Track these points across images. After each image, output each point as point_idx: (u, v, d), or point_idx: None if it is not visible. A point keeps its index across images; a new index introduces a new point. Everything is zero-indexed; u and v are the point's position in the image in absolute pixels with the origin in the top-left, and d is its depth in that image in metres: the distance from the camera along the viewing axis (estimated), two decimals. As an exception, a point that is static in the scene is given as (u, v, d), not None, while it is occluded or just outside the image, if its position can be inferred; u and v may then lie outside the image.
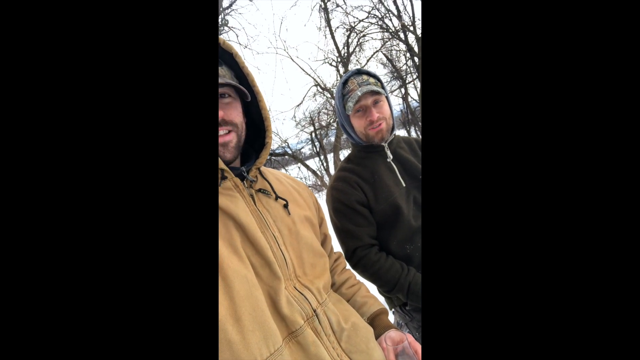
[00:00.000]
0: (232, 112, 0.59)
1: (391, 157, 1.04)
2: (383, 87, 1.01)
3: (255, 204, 0.59)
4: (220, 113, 0.56)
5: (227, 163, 0.58)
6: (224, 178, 0.55)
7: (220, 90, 0.58)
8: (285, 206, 0.64)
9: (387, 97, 1.02)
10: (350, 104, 0.97)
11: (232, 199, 0.56)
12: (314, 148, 8.48)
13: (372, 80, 0.99)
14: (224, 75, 0.59)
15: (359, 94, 0.94)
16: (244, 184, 0.59)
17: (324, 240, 0.77)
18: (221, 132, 0.57)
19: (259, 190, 0.62)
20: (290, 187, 0.72)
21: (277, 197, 0.63)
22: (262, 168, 0.68)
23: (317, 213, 0.75)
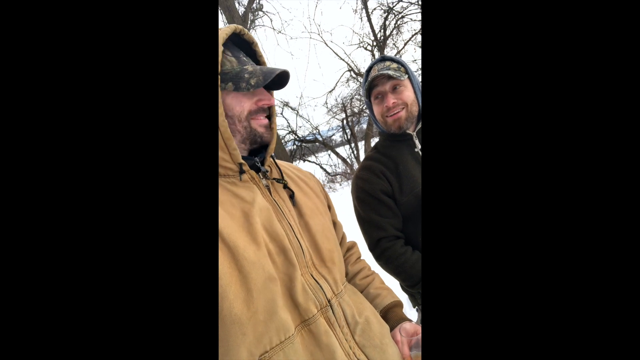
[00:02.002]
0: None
1: (419, 147, 0.99)
2: (408, 73, 0.97)
3: (271, 194, 0.60)
4: (272, 100, 0.60)
5: (259, 148, 0.61)
6: (243, 172, 0.57)
7: None
8: (291, 197, 0.64)
9: (412, 83, 0.97)
10: (364, 89, 0.98)
11: (249, 190, 0.57)
12: (345, 135, 8.38)
13: (393, 65, 0.95)
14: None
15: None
16: (259, 175, 0.60)
17: (334, 228, 0.76)
18: (264, 117, 0.61)
19: (274, 179, 0.62)
20: (297, 179, 0.72)
21: (285, 186, 0.64)
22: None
23: (325, 200, 0.75)
